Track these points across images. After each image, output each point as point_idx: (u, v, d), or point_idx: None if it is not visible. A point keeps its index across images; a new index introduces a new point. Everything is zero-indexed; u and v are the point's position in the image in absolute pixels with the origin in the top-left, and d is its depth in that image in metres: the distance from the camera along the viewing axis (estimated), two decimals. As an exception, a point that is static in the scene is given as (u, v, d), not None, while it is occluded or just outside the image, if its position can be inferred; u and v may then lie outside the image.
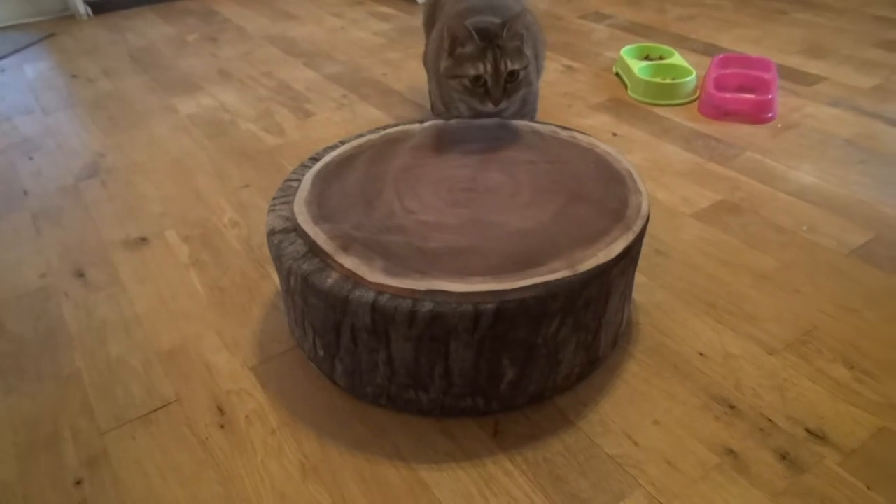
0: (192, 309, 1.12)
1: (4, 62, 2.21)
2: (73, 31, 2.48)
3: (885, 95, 1.69)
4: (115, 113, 1.82)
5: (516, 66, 1.10)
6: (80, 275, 1.21)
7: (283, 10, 2.59)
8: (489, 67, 1.09)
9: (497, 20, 1.13)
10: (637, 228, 0.89)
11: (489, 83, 1.10)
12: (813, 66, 1.87)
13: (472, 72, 1.10)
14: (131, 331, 1.08)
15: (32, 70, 2.15)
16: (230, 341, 1.05)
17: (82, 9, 2.59)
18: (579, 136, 1.11)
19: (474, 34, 1.09)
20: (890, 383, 0.93)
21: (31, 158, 1.61)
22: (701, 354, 0.99)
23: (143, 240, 1.30)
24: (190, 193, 1.44)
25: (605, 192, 0.96)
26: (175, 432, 0.91)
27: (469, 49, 1.10)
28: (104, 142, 1.67)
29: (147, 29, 2.47)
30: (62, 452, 0.89)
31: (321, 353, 0.93)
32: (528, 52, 1.14)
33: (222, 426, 0.92)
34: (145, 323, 1.10)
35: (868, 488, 0.80)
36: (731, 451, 0.85)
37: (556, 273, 0.81)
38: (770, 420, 0.88)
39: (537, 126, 1.14)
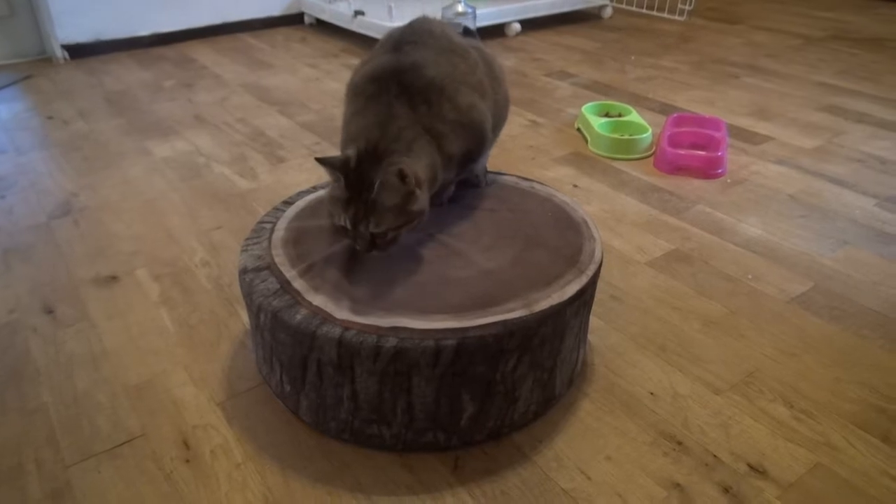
0: (161, 345, 1.14)
1: (-21, 102, 2.24)
2: (49, 74, 2.52)
3: (825, 156, 1.81)
4: (90, 154, 1.86)
5: (381, 229, 0.85)
6: (49, 311, 1.23)
7: (259, 60, 2.67)
8: (349, 223, 0.86)
9: (382, 161, 0.85)
10: (590, 272, 0.95)
11: (353, 236, 0.88)
12: (761, 127, 2.00)
13: (334, 217, 0.88)
14: (99, 366, 1.10)
15: (7, 111, 2.17)
16: (198, 377, 1.07)
17: (59, 52, 2.63)
18: (538, 186, 1.17)
19: (342, 178, 0.85)
20: (825, 422, 0.99)
21: (2, 197, 1.63)
22: (651, 394, 1.04)
23: (114, 278, 1.32)
24: (162, 233, 1.47)
25: (560, 238, 1.02)
26: (140, 466, 0.92)
27: (335, 191, 0.87)
28: (77, 182, 1.70)
29: (123, 73, 2.52)
30: (25, 485, 0.90)
31: (287, 388, 0.96)
32: (417, 206, 0.88)
33: (187, 460, 0.93)
34: (113, 358, 1.11)
35: (803, 520, 0.85)
36: (677, 485, 0.89)
37: (513, 312, 0.86)
38: (715, 456, 0.93)
39: (499, 177, 1.21)
